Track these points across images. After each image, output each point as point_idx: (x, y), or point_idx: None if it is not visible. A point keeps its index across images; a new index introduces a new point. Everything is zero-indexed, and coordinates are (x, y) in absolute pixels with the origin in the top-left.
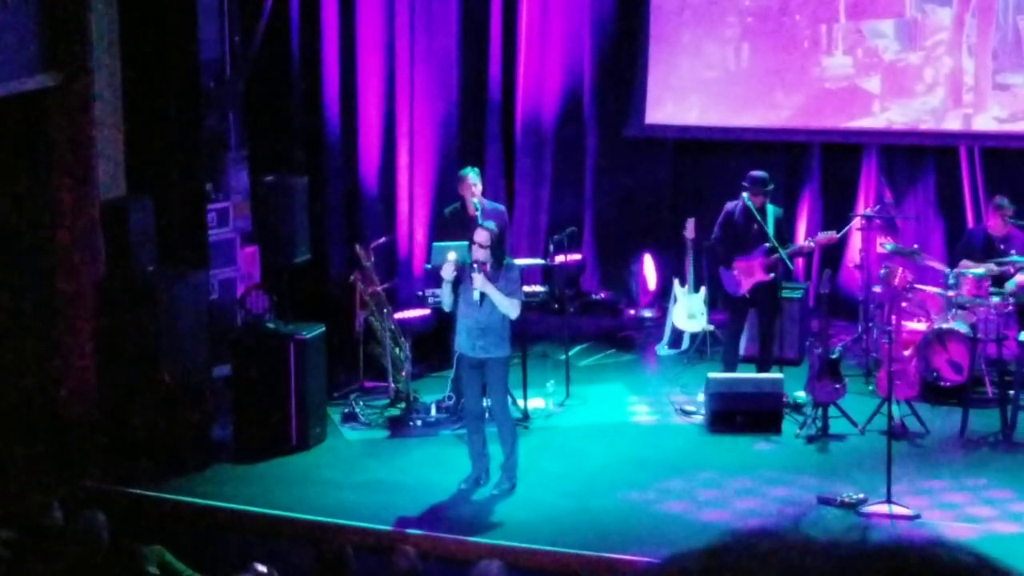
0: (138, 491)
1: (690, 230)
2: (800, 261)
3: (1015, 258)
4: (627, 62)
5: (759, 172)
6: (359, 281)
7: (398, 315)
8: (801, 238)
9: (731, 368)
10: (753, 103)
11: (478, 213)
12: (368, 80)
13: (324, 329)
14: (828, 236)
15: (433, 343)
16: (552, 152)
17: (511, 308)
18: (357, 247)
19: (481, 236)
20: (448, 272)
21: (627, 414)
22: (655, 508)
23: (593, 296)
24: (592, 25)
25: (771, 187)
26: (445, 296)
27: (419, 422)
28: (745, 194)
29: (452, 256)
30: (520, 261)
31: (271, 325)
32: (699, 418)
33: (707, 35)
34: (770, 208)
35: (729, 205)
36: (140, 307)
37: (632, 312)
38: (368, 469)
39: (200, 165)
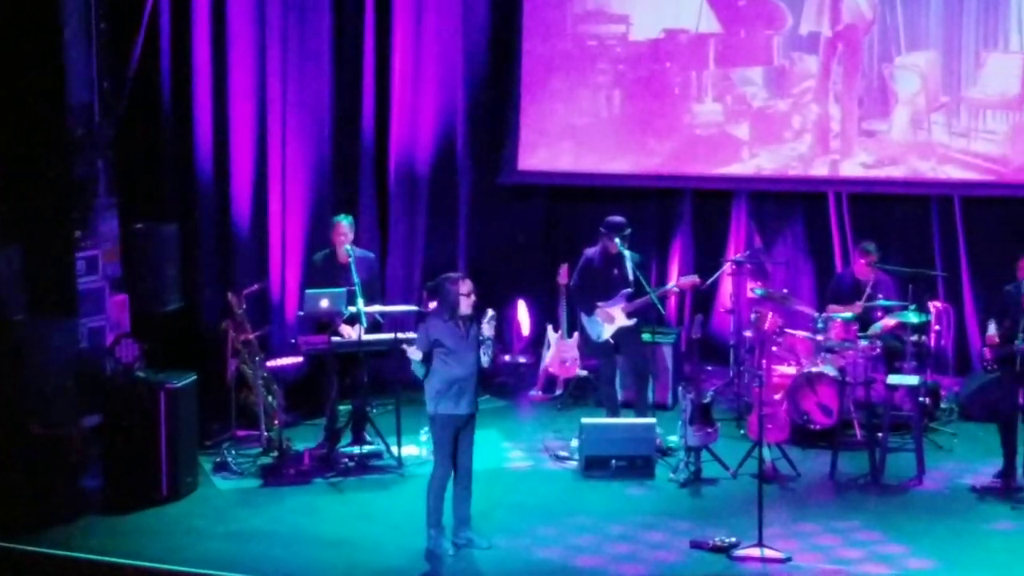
0: (6, 544)
1: (563, 276)
2: (672, 307)
3: (882, 302)
4: (500, 108)
5: (616, 217)
6: (231, 328)
7: (270, 363)
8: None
9: (614, 412)
10: (625, 149)
11: (350, 260)
12: (240, 126)
13: (195, 377)
14: (691, 280)
15: (306, 391)
16: (426, 198)
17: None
18: (229, 294)
19: (470, 285)
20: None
21: (501, 460)
22: (530, 554)
23: None
24: (465, 72)
25: (628, 231)
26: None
27: (292, 470)
28: (618, 239)
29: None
30: (394, 308)
31: (141, 374)
32: (573, 463)
33: (579, 82)
34: (627, 253)
35: (588, 251)
36: (8, 356)
37: (506, 358)
38: (240, 518)
39: (69, 212)
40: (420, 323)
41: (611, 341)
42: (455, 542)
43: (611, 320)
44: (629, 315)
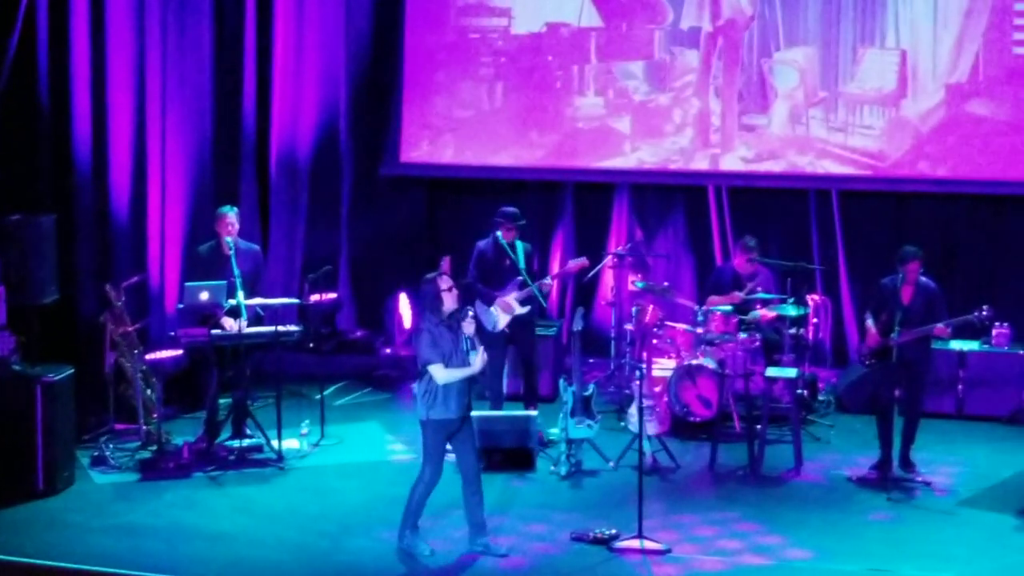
0: None
1: (445, 268)
2: (554, 299)
3: (761, 295)
4: (382, 100)
5: (510, 207)
6: (109, 321)
7: (149, 356)
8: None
9: (498, 405)
10: (507, 142)
11: (231, 252)
12: (119, 117)
13: (73, 371)
14: (579, 262)
15: (186, 384)
16: (307, 190)
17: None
18: (107, 286)
19: (449, 280)
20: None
21: (384, 453)
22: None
23: (349, 335)
24: (347, 62)
25: (523, 222)
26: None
27: (171, 464)
28: (499, 232)
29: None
30: (275, 300)
31: (17, 367)
32: (454, 456)
33: (461, 75)
34: (519, 244)
35: (480, 244)
36: None
37: (388, 350)
38: (119, 513)
39: None
40: (417, 336)
41: (507, 331)
42: (472, 549)
43: (510, 309)
44: (523, 302)
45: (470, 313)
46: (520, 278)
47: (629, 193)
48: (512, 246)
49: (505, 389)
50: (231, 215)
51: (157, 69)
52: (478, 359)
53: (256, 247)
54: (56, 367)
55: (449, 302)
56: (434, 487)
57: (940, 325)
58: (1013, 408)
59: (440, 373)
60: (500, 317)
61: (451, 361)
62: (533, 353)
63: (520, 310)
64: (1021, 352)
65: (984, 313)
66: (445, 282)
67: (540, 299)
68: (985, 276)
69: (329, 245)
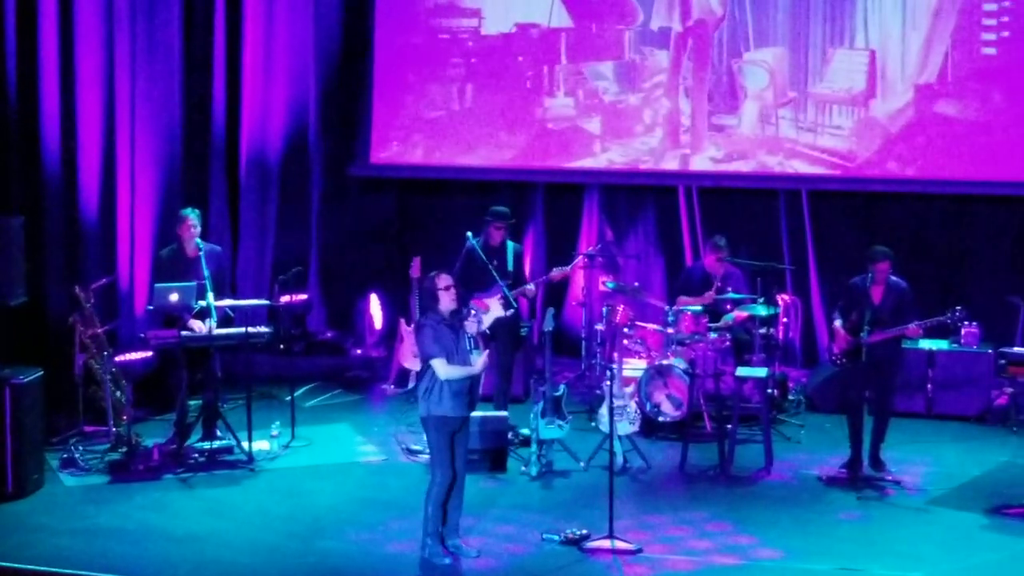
0: None
1: (415, 269)
2: (525, 300)
3: (731, 295)
4: (352, 101)
5: (500, 207)
6: (78, 323)
7: (119, 357)
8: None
9: (474, 406)
10: (477, 143)
11: (200, 254)
12: (88, 118)
13: (42, 373)
14: (562, 271)
15: (155, 386)
16: (277, 191)
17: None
18: (76, 288)
19: (448, 279)
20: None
21: (354, 454)
22: (382, 548)
23: (319, 336)
24: (317, 63)
25: (513, 220)
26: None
27: (141, 466)
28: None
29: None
30: (245, 301)
31: None
32: (425, 457)
33: (432, 75)
34: (510, 244)
35: (469, 244)
36: None
37: (359, 352)
38: (88, 515)
39: None
40: (418, 332)
41: (487, 332)
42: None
43: (484, 308)
44: (506, 306)
45: (472, 312)
46: (507, 281)
47: (599, 193)
48: (502, 247)
49: (481, 389)
50: (192, 217)
51: (126, 70)
52: (480, 360)
53: (218, 248)
54: (25, 369)
55: (446, 301)
56: (447, 488)
57: (913, 325)
58: (982, 407)
59: (442, 368)
60: (482, 318)
61: (452, 359)
62: (511, 356)
63: (499, 313)
64: (990, 351)
65: (957, 314)
66: (443, 280)
67: (511, 301)
68: (954, 275)
69: (299, 246)
